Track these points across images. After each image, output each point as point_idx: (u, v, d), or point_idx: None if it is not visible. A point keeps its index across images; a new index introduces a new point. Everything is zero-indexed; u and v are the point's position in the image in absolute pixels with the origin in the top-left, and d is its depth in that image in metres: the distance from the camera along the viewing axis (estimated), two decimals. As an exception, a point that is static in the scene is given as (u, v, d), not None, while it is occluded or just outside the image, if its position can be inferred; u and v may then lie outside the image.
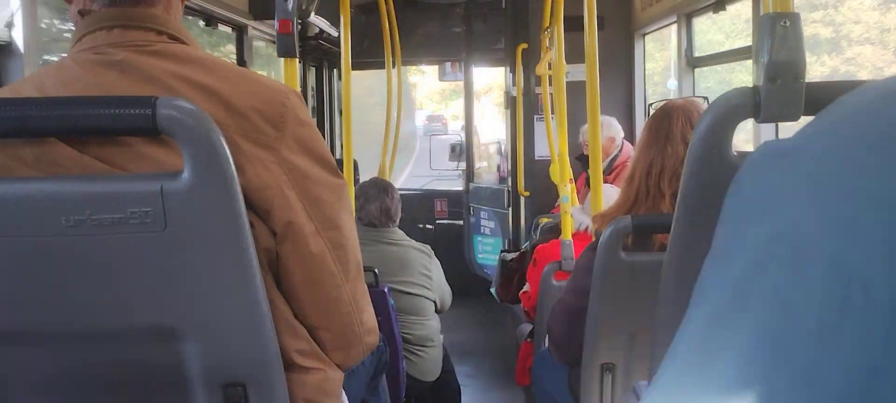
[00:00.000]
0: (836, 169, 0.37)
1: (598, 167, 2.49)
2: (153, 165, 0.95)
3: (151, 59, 1.00)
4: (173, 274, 0.93)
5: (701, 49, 4.11)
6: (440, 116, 31.44)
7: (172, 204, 0.89)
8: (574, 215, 3.09)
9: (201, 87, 0.99)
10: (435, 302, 3.23)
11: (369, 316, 1.16)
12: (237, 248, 0.93)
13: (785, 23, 0.96)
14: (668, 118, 1.78)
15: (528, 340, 3.21)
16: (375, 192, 3.16)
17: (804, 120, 0.95)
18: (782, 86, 0.95)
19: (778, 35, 0.95)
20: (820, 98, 0.97)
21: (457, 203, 6.50)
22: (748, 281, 0.40)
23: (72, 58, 1.01)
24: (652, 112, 1.98)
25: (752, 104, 0.97)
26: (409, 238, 3.26)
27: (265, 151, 1.00)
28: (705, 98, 1.98)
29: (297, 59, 1.66)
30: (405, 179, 12.38)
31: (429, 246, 3.30)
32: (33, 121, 0.88)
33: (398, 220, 3.23)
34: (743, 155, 1.03)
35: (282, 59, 1.64)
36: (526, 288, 3.32)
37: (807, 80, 0.97)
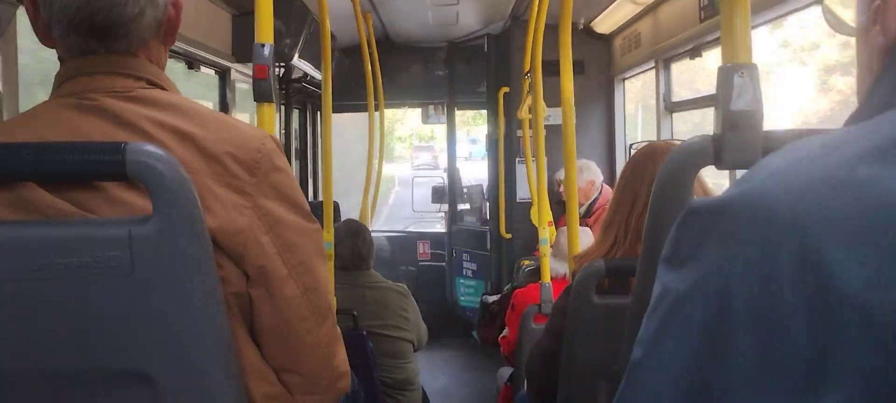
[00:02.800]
0: (760, 224, 0.40)
1: (574, 210, 2.51)
2: (126, 209, 0.96)
3: (130, 104, 1.01)
4: (140, 318, 0.93)
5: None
6: (429, 147, 27.84)
7: (140, 248, 0.90)
8: (551, 261, 3.11)
9: (177, 132, 1.00)
10: (412, 342, 3.22)
11: (341, 360, 1.16)
12: (204, 292, 0.93)
13: (742, 73, 0.99)
14: (652, 160, 1.79)
15: (508, 384, 3.20)
16: (346, 234, 3.16)
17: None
18: (741, 135, 0.98)
19: (736, 85, 0.99)
20: (778, 146, 0.99)
21: (439, 245, 6.51)
22: (682, 335, 0.42)
23: (54, 102, 1.03)
24: (632, 152, 1.99)
25: (713, 151, 1.00)
26: (383, 279, 3.25)
27: (239, 196, 1.01)
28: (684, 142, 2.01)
29: (275, 104, 1.67)
30: (383, 222, 12.30)
31: (404, 286, 3.29)
32: (5, 166, 0.89)
33: (372, 262, 3.22)
34: None
35: (255, 89, 1.64)
36: (505, 332, 3.32)
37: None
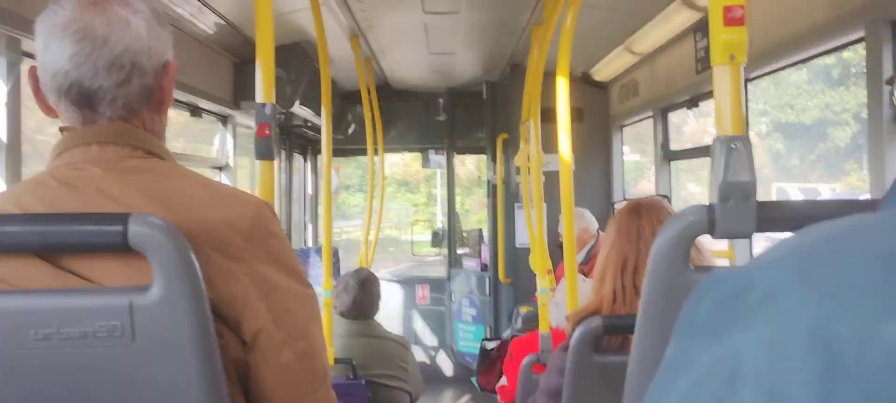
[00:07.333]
0: (776, 302, 0.42)
1: (572, 262, 2.52)
2: (125, 278, 0.96)
3: (125, 175, 1.02)
4: (140, 386, 0.93)
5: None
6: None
7: (141, 318, 0.91)
8: (550, 310, 3.10)
9: (173, 203, 1.00)
10: (410, 394, 3.22)
11: None
12: (204, 360, 0.94)
13: (735, 145, 1.01)
14: (639, 217, 1.81)
15: (507, 433, 3.18)
16: (352, 284, 3.16)
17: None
18: (734, 205, 1.00)
19: (729, 157, 1.00)
20: (771, 216, 1.01)
21: (439, 289, 6.50)
22: (690, 397, 0.44)
23: (51, 173, 1.03)
24: (615, 210, 2.01)
25: (708, 221, 1.01)
26: (386, 330, 3.26)
27: (235, 263, 1.02)
28: (666, 196, 2.04)
29: (274, 161, 1.69)
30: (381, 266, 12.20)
31: (405, 338, 3.31)
32: (9, 237, 0.90)
33: (374, 313, 3.22)
34: (700, 268, 1.07)
35: (256, 147, 1.66)
36: (503, 381, 3.31)
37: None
